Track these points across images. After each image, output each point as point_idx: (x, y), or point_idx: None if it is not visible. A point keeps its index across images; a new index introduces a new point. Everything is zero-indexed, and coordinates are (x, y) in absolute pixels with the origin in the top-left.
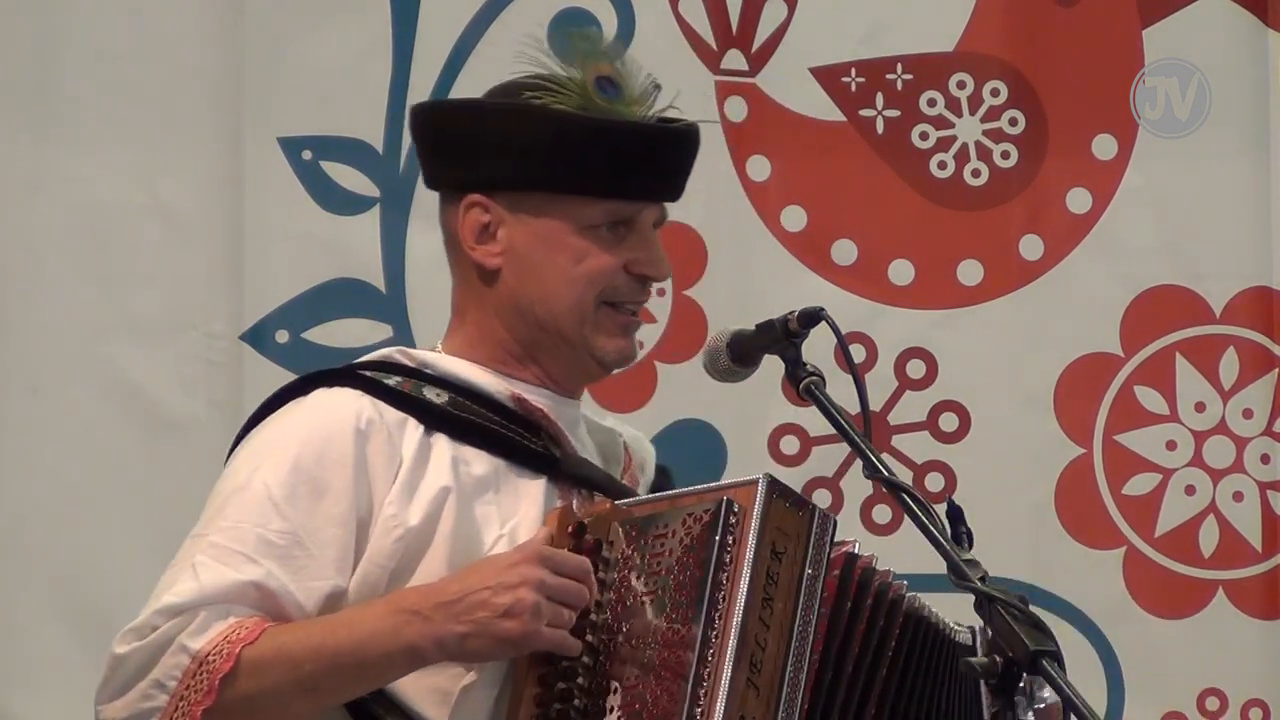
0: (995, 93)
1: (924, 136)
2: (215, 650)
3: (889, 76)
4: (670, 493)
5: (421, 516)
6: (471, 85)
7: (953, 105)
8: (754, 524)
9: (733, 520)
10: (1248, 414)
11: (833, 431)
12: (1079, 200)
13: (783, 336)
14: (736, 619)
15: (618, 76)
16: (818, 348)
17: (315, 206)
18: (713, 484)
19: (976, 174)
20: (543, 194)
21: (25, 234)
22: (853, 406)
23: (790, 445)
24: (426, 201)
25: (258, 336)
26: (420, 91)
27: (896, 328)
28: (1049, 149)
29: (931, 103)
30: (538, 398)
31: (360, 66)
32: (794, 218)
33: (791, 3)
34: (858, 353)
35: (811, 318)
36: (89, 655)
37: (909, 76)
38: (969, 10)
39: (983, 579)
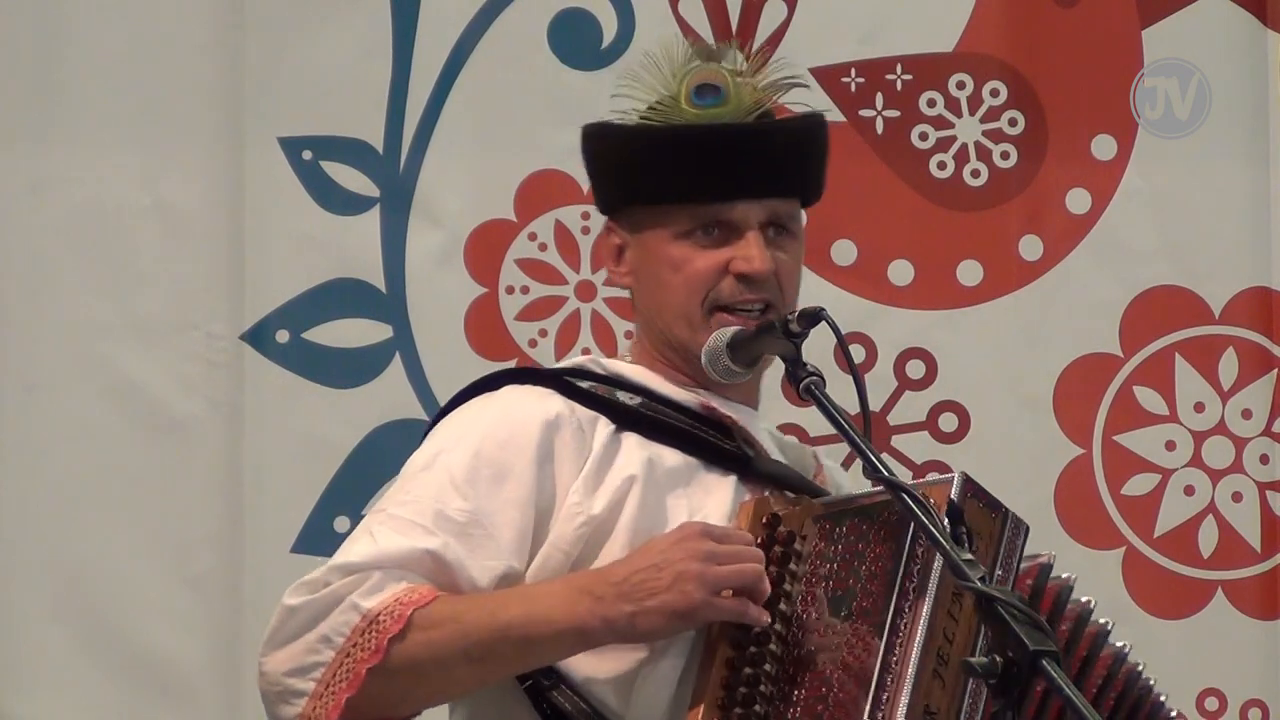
0: (995, 93)
1: (924, 137)
2: (386, 611)
3: (889, 77)
4: (865, 491)
5: (605, 505)
6: (471, 85)
7: (952, 105)
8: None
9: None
10: (1247, 414)
11: (833, 431)
12: (1079, 200)
13: (783, 336)
14: (926, 609)
15: (722, 80)
16: (818, 348)
17: (315, 206)
18: (913, 483)
19: (976, 174)
20: (642, 209)
21: (26, 234)
22: (853, 406)
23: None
24: (426, 201)
25: (258, 336)
26: (420, 91)
27: (896, 328)
28: (1048, 149)
29: (931, 103)
30: (721, 405)
31: (360, 66)
32: None
33: (791, 3)
34: (858, 353)
35: (811, 318)
36: (89, 655)
37: (909, 77)
38: (969, 10)
39: (983, 579)
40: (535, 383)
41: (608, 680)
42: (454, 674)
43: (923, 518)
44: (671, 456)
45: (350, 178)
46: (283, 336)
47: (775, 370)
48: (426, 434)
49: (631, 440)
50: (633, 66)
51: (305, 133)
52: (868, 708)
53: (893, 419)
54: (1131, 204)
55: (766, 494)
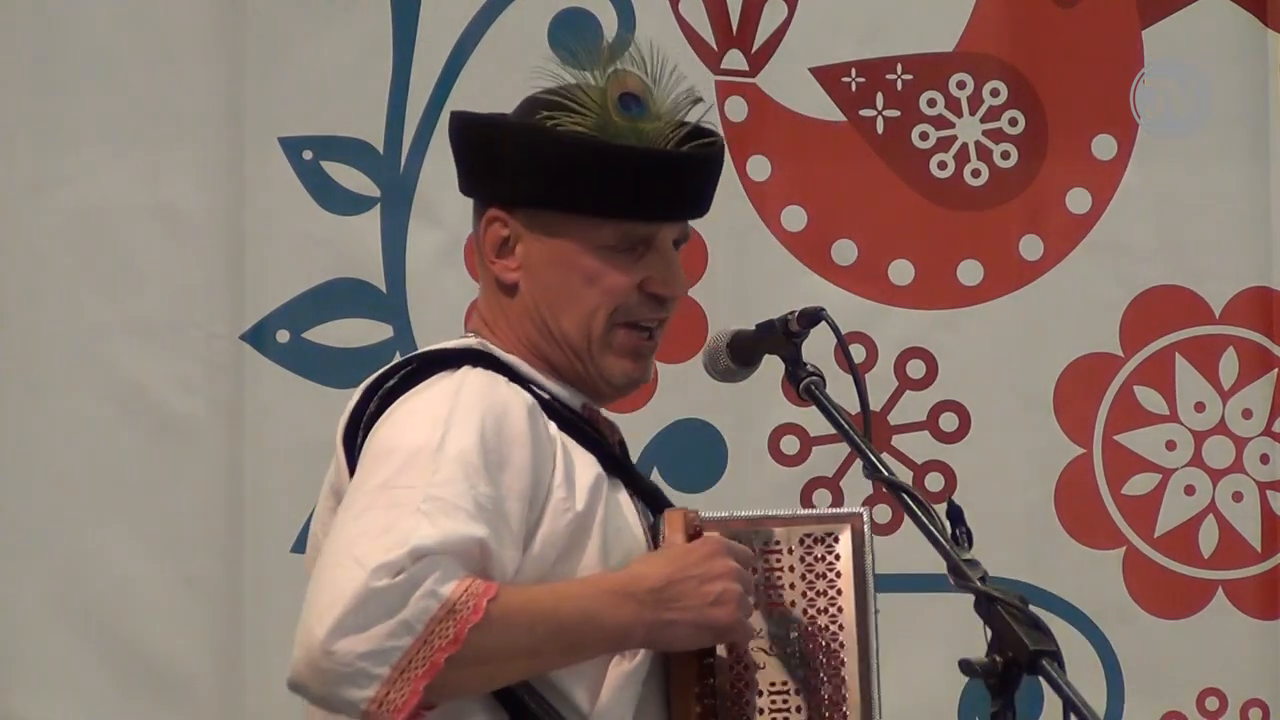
0: (995, 93)
1: (924, 136)
2: (462, 601)
3: (889, 76)
4: (765, 514)
5: (586, 502)
6: (471, 85)
7: (953, 105)
8: (868, 547)
9: (864, 544)
10: (1247, 414)
11: (833, 431)
12: (1079, 200)
13: (783, 336)
14: (874, 642)
15: (643, 93)
16: (818, 348)
17: (315, 206)
18: (807, 512)
19: (976, 174)
20: (558, 213)
21: (26, 234)
22: (853, 406)
23: (790, 445)
24: (427, 201)
25: (258, 336)
26: (420, 91)
27: (896, 328)
28: (1049, 149)
29: (931, 103)
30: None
31: (360, 66)
32: (794, 218)
33: (791, 3)
34: (858, 353)
35: (811, 318)
36: (89, 655)
37: (909, 76)
38: (969, 10)
39: (983, 579)
40: (483, 366)
41: (576, 678)
42: (514, 666)
43: (923, 518)
44: (591, 459)
45: (350, 178)
46: (283, 336)
47: (775, 370)
48: (380, 409)
49: (565, 438)
50: (547, 66)
51: (305, 133)
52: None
53: (893, 419)
54: (1131, 204)
55: (683, 508)
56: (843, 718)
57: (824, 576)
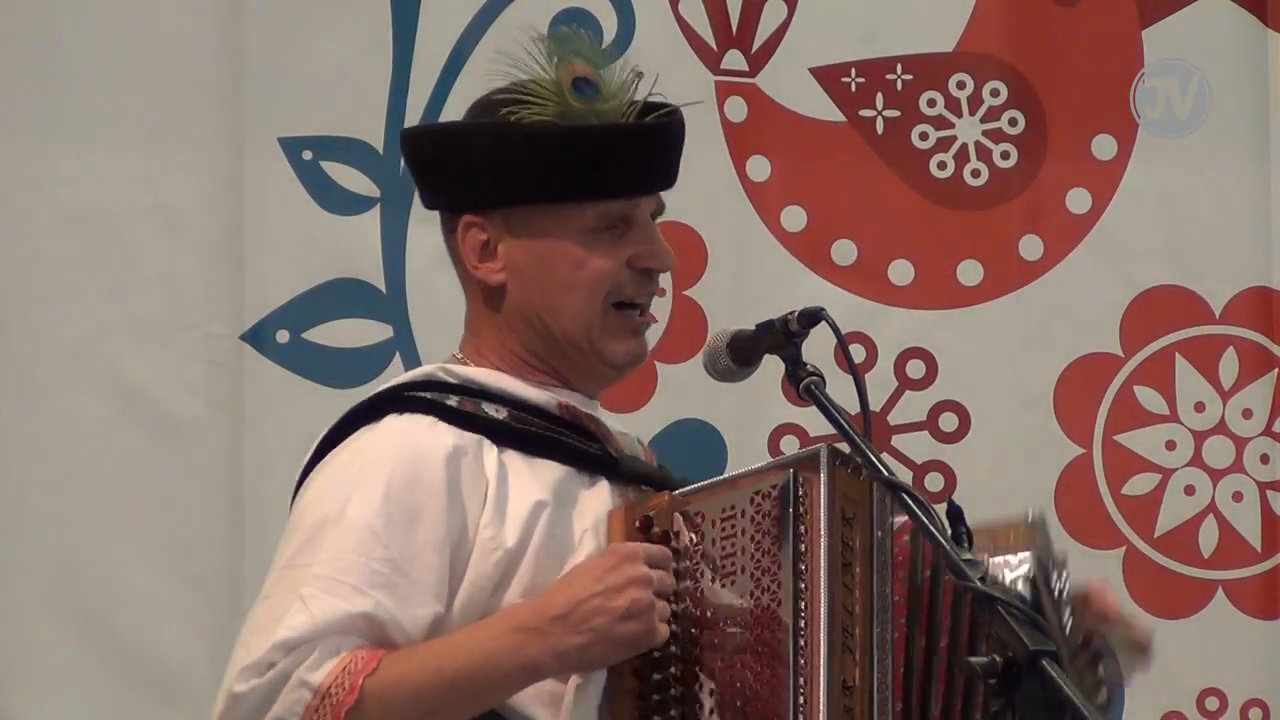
0: (995, 93)
1: (924, 136)
2: (336, 683)
3: (889, 76)
4: (727, 476)
5: (518, 535)
6: (472, 85)
7: (952, 105)
8: (823, 493)
9: (801, 493)
10: (1247, 414)
11: (833, 431)
12: (1079, 200)
13: (783, 336)
14: (822, 588)
15: (593, 75)
16: (818, 348)
17: (315, 206)
18: (770, 462)
19: (976, 174)
20: (533, 207)
21: (25, 234)
22: (853, 406)
23: (790, 445)
24: None
25: (258, 336)
26: (420, 91)
27: (896, 328)
28: (1049, 149)
29: (931, 103)
30: (575, 403)
31: (360, 66)
32: (794, 218)
33: (791, 3)
34: (858, 353)
35: (811, 318)
36: (88, 655)
37: (909, 76)
38: (969, 10)
39: (983, 579)
40: (412, 409)
41: (538, 698)
42: None
43: (922, 518)
44: (552, 470)
45: (350, 178)
46: (283, 336)
47: (775, 370)
48: (309, 469)
49: (516, 459)
50: (485, 66)
51: (305, 133)
52: (791, 695)
53: (893, 419)
54: (1131, 204)
55: (629, 499)
56: (788, 697)
57: (769, 535)
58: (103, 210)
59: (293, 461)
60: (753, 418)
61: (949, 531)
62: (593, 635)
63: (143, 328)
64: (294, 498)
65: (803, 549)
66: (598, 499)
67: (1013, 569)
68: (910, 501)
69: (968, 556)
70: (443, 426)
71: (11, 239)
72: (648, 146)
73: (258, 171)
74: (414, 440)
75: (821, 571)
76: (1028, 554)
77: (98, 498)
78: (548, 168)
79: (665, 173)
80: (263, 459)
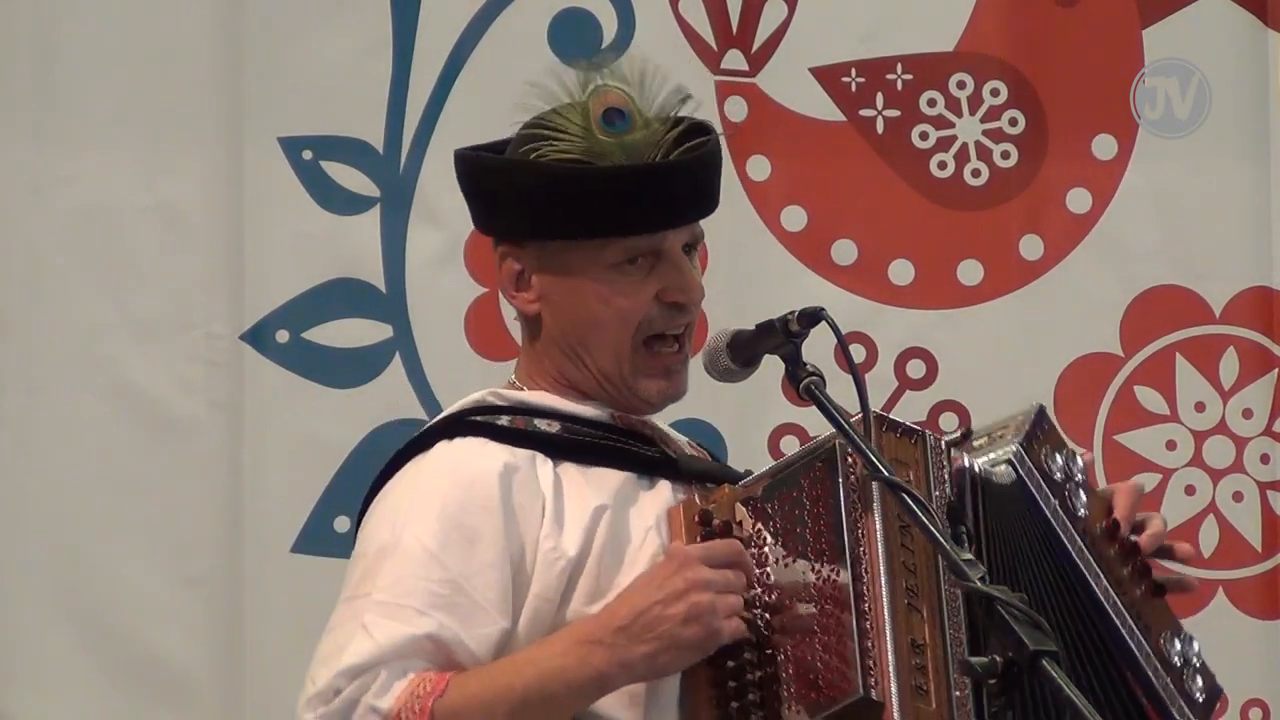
0: (995, 93)
1: (924, 136)
2: (405, 707)
3: (889, 76)
4: (784, 459)
5: (579, 543)
6: (471, 85)
7: (953, 105)
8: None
9: (850, 461)
10: (1247, 414)
11: (833, 431)
12: (1079, 200)
13: (783, 336)
14: (880, 550)
15: (627, 105)
16: (818, 348)
17: (315, 206)
18: (822, 437)
19: (976, 174)
20: (561, 241)
21: (25, 234)
22: (853, 406)
23: (790, 445)
24: (427, 201)
25: (258, 336)
26: (420, 91)
27: (896, 328)
28: (1049, 149)
29: (931, 103)
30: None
31: (360, 66)
32: (794, 218)
33: (791, 3)
34: (858, 353)
35: (811, 318)
36: (89, 655)
37: (909, 76)
38: (969, 10)
39: (983, 579)
40: (462, 433)
41: (619, 700)
42: None
43: (922, 518)
44: (612, 477)
45: (350, 178)
46: (283, 336)
47: (775, 370)
48: (366, 504)
49: (571, 470)
50: (523, 99)
51: (305, 133)
52: (857, 659)
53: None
54: (1132, 204)
55: (694, 496)
56: (856, 666)
57: (825, 507)
58: (103, 210)
59: (293, 461)
60: (753, 418)
61: (949, 531)
62: (658, 644)
63: (143, 328)
64: (354, 538)
65: (858, 515)
66: (659, 500)
67: (999, 447)
68: (910, 501)
69: (968, 556)
70: (494, 446)
71: (12, 239)
72: (670, 183)
73: (258, 171)
74: (465, 462)
75: (878, 537)
76: (1018, 437)
77: (98, 498)
78: (567, 206)
79: (695, 203)
80: (262, 459)
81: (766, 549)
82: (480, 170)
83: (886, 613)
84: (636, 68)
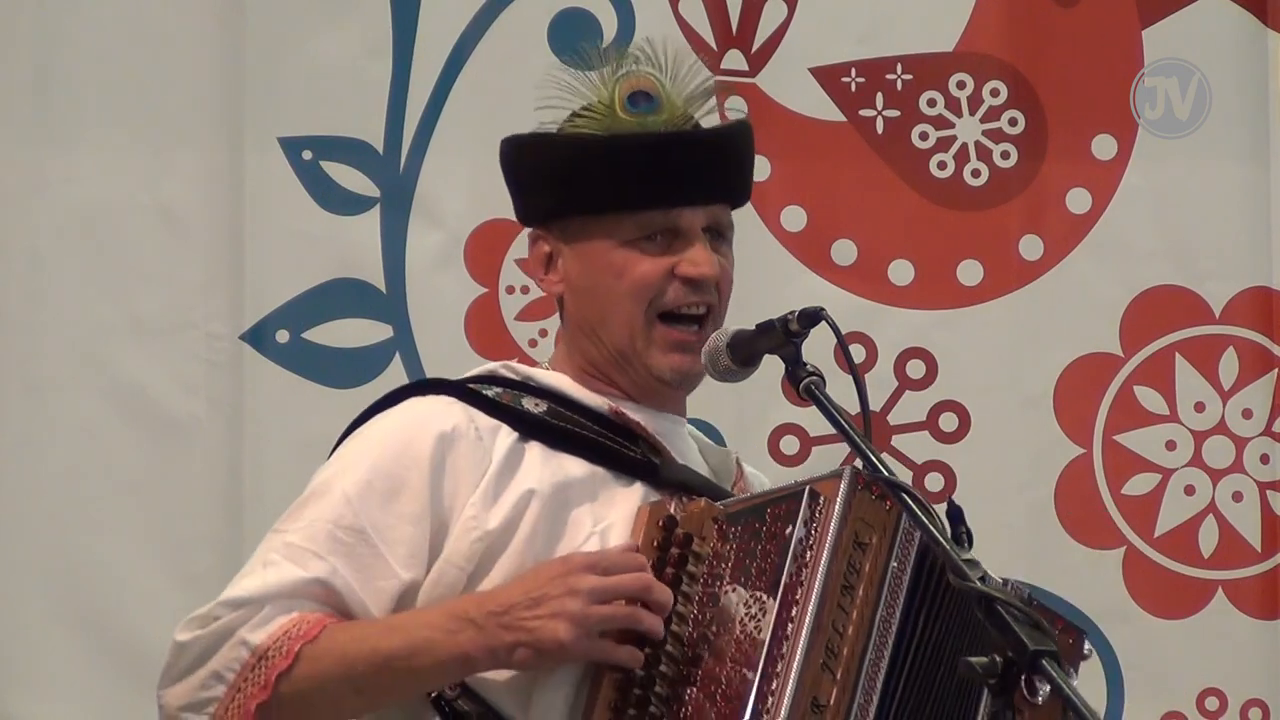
0: (995, 93)
1: (924, 136)
2: (275, 646)
3: (889, 76)
4: (764, 490)
5: (502, 520)
6: (472, 85)
7: (953, 105)
8: (836, 512)
9: (817, 509)
10: (1247, 414)
11: (833, 431)
12: (1079, 200)
13: (783, 336)
14: (813, 603)
15: (655, 89)
16: (818, 348)
17: (315, 206)
18: (805, 479)
19: (976, 174)
20: (582, 218)
21: (26, 234)
22: (853, 406)
23: (790, 445)
24: (426, 201)
25: (258, 336)
26: (420, 91)
27: (896, 328)
28: (1049, 149)
29: (931, 103)
30: (633, 411)
31: (360, 66)
32: (794, 218)
33: (791, 3)
34: (858, 353)
35: (811, 318)
36: (88, 655)
37: (909, 76)
38: (969, 10)
39: (983, 579)
40: (439, 392)
41: (505, 685)
42: (343, 705)
43: (922, 517)
44: (577, 467)
45: (350, 178)
46: (283, 336)
47: (775, 370)
48: (335, 447)
49: (535, 451)
50: (556, 74)
51: (305, 133)
52: (752, 697)
53: (893, 419)
54: (1132, 204)
55: (672, 501)
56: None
57: (776, 549)
58: (103, 210)
59: (293, 461)
60: (753, 418)
61: (949, 532)
62: (520, 635)
63: (143, 328)
64: None
65: (803, 564)
66: (630, 500)
67: None
68: (910, 502)
69: (968, 557)
70: (458, 407)
71: (12, 239)
72: (679, 156)
73: (258, 171)
74: (417, 416)
75: (815, 588)
76: None
77: (98, 497)
78: (581, 177)
79: (712, 183)
80: (262, 459)
81: (721, 572)
82: (509, 151)
83: (796, 665)
84: (668, 55)
